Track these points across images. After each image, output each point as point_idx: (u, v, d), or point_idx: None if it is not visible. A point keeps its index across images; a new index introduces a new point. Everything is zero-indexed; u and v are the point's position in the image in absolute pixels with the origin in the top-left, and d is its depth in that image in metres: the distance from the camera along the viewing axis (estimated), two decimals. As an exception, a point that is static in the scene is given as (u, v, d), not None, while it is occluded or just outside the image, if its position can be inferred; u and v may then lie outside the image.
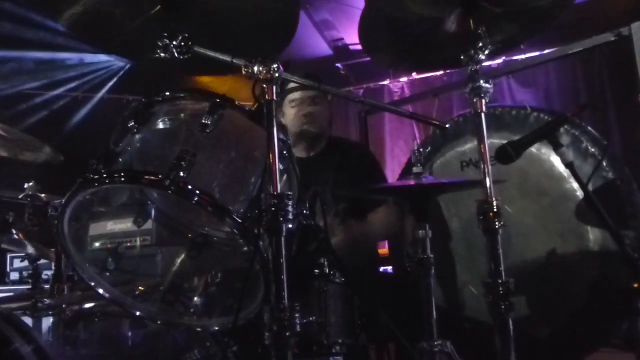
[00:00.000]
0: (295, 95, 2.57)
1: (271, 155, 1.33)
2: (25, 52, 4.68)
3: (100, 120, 4.82)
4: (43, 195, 2.46)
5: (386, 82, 5.31)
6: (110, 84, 5.19)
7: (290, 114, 2.61)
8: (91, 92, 5.18)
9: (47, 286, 2.69)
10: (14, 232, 2.28)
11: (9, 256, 3.72)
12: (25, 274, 3.06)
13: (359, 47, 5.11)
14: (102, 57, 5.03)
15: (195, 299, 1.76)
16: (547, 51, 4.11)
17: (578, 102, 4.58)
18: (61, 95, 5.07)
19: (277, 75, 1.36)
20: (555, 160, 2.29)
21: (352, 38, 5.06)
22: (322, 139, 2.69)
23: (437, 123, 1.69)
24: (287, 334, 1.28)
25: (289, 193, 1.34)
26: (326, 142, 2.71)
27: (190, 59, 1.48)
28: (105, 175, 1.41)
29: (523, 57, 4.19)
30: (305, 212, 1.52)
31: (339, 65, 5.28)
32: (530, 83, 4.73)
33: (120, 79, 5.19)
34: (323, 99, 2.63)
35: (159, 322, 1.65)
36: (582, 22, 3.04)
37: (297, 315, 1.30)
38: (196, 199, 1.36)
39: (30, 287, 2.74)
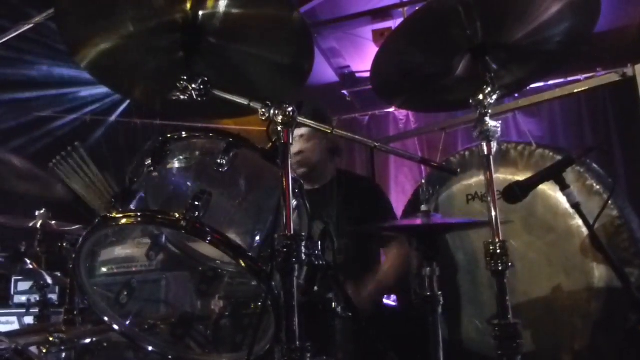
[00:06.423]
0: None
1: (286, 198, 1.34)
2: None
3: (110, 144, 4.84)
4: (53, 223, 2.51)
5: (391, 110, 5.37)
6: (122, 107, 5.19)
7: None
8: (101, 115, 5.19)
9: (53, 310, 2.71)
10: (28, 261, 2.30)
11: (13, 279, 3.57)
12: (32, 299, 3.01)
13: (365, 75, 5.18)
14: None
15: (205, 333, 1.78)
16: (551, 82, 4.19)
17: (582, 132, 4.59)
18: (71, 118, 5.09)
19: (292, 118, 1.39)
20: (561, 197, 2.30)
21: (358, 66, 5.14)
22: (322, 172, 2.69)
23: (449, 169, 1.72)
24: (299, 374, 1.29)
25: (302, 234, 1.36)
26: (332, 175, 2.72)
27: (207, 102, 1.51)
28: (122, 215, 1.44)
29: (527, 88, 4.23)
30: (317, 252, 1.54)
31: (344, 92, 5.33)
32: (535, 113, 4.78)
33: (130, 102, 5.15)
34: (315, 135, 2.59)
35: (169, 357, 1.66)
36: (590, 53, 3.05)
37: (308, 355, 1.32)
38: (209, 238, 1.37)
39: (37, 311, 2.72)
